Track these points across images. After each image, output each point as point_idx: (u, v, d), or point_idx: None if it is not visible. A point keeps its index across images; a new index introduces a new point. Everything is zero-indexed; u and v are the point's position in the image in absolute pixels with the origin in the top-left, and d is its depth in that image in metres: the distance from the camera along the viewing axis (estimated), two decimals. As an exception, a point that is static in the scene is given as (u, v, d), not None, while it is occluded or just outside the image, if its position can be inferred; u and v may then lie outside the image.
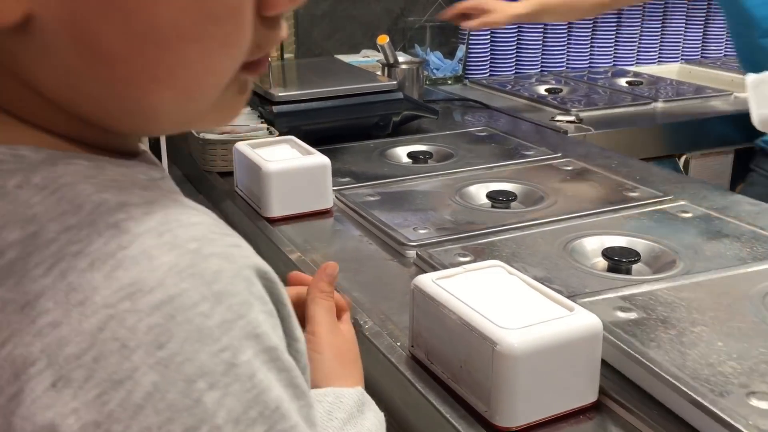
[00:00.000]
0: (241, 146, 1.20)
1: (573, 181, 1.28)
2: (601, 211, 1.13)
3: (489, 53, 2.22)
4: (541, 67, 2.28)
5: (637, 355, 0.71)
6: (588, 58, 2.33)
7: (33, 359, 0.32)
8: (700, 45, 2.44)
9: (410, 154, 1.45)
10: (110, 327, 0.32)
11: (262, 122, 1.43)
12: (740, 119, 1.60)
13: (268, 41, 0.40)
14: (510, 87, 2.07)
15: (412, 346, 0.77)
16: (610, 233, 1.04)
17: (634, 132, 1.73)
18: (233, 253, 0.36)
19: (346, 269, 0.99)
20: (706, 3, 2.41)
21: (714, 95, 1.97)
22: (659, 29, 2.38)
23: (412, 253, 1.01)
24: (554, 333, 0.65)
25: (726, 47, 2.45)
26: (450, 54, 2.19)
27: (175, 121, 0.40)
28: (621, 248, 0.99)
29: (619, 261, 0.95)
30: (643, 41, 2.37)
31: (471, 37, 2.16)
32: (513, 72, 2.25)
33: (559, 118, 1.73)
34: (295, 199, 1.14)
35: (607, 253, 0.97)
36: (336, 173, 1.21)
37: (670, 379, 0.67)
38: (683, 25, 2.41)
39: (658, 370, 0.69)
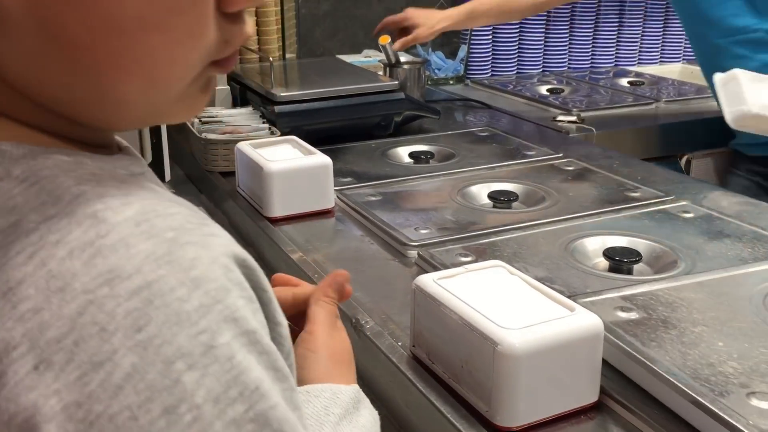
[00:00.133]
0: (243, 146, 1.20)
1: (574, 182, 1.28)
2: (602, 211, 1.13)
3: (491, 53, 2.22)
4: (543, 67, 2.28)
5: (638, 355, 0.71)
6: (590, 58, 2.33)
7: (15, 343, 0.33)
8: (701, 45, 2.44)
9: (412, 154, 1.45)
10: (89, 312, 0.33)
11: (264, 122, 1.43)
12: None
13: (234, 37, 0.41)
14: (512, 87, 2.07)
15: (414, 346, 0.77)
16: (612, 233, 1.04)
17: (636, 132, 1.73)
18: (210, 242, 0.37)
19: (348, 269, 0.98)
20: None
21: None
22: (661, 29, 2.38)
23: (413, 253, 1.01)
24: (555, 333, 0.65)
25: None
26: (452, 54, 2.19)
27: (141, 112, 0.41)
28: (622, 248, 0.99)
29: (620, 261, 0.95)
30: (644, 41, 2.37)
31: (472, 38, 2.16)
32: (515, 72, 2.26)
33: (560, 118, 1.73)
34: (296, 199, 1.14)
35: (609, 253, 0.97)
36: (337, 173, 1.21)
37: (671, 379, 0.67)
38: (685, 25, 2.41)
39: (658, 370, 0.69)
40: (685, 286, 0.86)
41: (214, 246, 0.37)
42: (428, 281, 0.74)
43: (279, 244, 1.06)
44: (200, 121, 1.42)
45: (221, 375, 0.34)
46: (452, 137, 1.55)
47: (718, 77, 1.34)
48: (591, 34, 2.31)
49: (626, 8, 2.32)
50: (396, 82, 1.58)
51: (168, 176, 1.33)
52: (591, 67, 2.33)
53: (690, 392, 0.65)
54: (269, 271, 1.15)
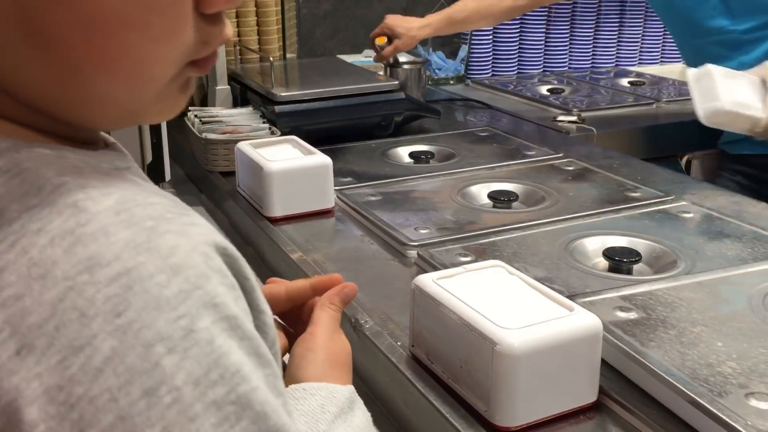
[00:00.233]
0: (243, 146, 1.20)
1: (574, 181, 1.28)
2: (602, 211, 1.13)
3: (491, 53, 2.22)
4: (544, 67, 2.29)
5: (637, 356, 0.71)
6: (590, 58, 2.33)
7: None
8: (702, 45, 2.44)
9: (412, 154, 1.45)
10: (70, 297, 0.33)
11: (264, 122, 1.43)
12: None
13: (212, 38, 0.42)
14: (512, 87, 2.07)
15: (413, 346, 0.77)
16: (612, 233, 1.04)
17: (636, 132, 1.73)
18: (190, 231, 0.38)
19: (348, 269, 0.99)
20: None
21: (716, 95, 1.97)
22: (662, 30, 2.38)
23: (413, 253, 1.01)
24: (554, 333, 0.65)
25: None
26: (452, 54, 2.19)
27: (121, 111, 0.41)
28: (622, 248, 0.99)
29: (620, 261, 0.95)
30: (645, 41, 2.37)
31: (473, 38, 2.16)
32: (515, 72, 2.26)
33: (561, 118, 1.73)
34: (296, 198, 1.14)
35: (608, 253, 0.97)
36: (337, 173, 1.21)
37: (670, 379, 0.67)
38: (686, 25, 2.41)
39: (657, 370, 0.69)
40: (684, 286, 0.86)
41: (194, 234, 0.38)
42: (427, 281, 0.74)
43: (279, 243, 1.06)
44: (201, 120, 1.42)
45: (201, 358, 0.35)
46: (452, 137, 1.55)
47: (691, 72, 1.34)
48: (592, 34, 2.31)
49: (627, 8, 2.32)
50: (396, 82, 1.58)
51: (168, 176, 1.33)
52: (591, 67, 2.33)
53: (689, 392, 0.65)
54: (269, 271, 1.16)
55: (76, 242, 0.35)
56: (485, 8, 1.76)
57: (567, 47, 2.30)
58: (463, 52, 2.16)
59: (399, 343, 0.80)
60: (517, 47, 2.24)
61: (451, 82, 2.15)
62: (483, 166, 1.35)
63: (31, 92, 0.39)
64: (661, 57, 2.41)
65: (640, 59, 2.37)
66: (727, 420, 0.62)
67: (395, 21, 1.71)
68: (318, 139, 1.33)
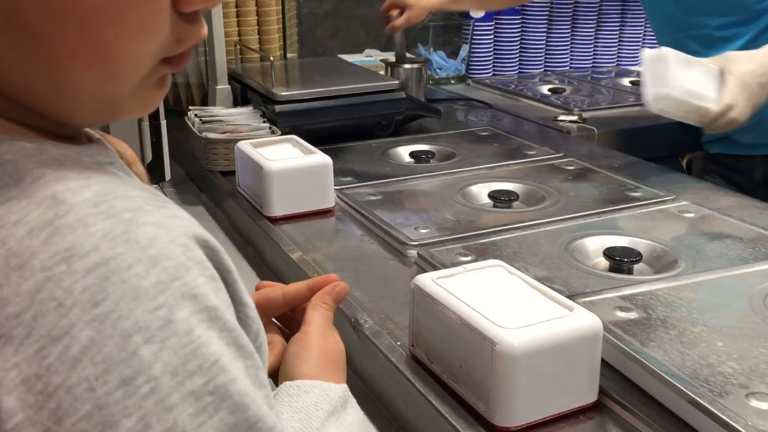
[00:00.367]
0: (244, 145, 1.20)
1: (575, 181, 1.28)
2: (603, 211, 1.13)
3: (492, 53, 2.22)
4: (545, 66, 2.28)
5: (637, 356, 0.71)
6: (591, 57, 2.33)
7: None
8: (704, 45, 2.44)
9: (412, 154, 1.45)
10: (47, 288, 0.34)
11: (264, 121, 1.43)
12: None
13: (188, 36, 0.42)
14: (513, 87, 2.07)
15: (412, 346, 0.77)
16: (612, 233, 1.04)
17: (637, 132, 1.72)
18: (170, 223, 0.38)
19: (347, 268, 0.99)
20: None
21: (717, 95, 1.96)
22: (663, 29, 2.37)
23: (413, 253, 1.01)
24: (554, 333, 0.65)
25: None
26: (453, 53, 2.19)
27: (96, 105, 0.42)
28: (623, 248, 0.98)
29: (620, 261, 0.95)
30: (647, 41, 2.37)
31: (474, 37, 2.16)
32: (516, 72, 2.25)
33: (562, 117, 1.73)
34: (296, 198, 1.14)
35: (609, 253, 0.97)
36: (338, 173, 1.21)
37: (670, 379, 0.67)
38: (687, 24, 2.40)
39: (657, 370, 0.69)
40: (685, 286, 0.85)
41: (174, 226, 0.38)
42: (427, 281, 0.73)
43: (279, 243, 1.06)
44: (201, 120, 1.42)
45: (179, 348, 0.35)
46: (453, 137, 1.55)
47: (647, 54, 1.29)
48: (593, 33, 2.31)
49: (628, 8, 2.32)
50: (397, 82, 1.58)
51: (168, 175, 1.33)
52: (593, 66, 2.33)
53: (689, 392, 0.65)
54: (269, 271, 1.16)
55: (54, 233, 0.35)
56: None
57: (568, 47, 2.30)
58: (464, 51, 2.16)
59: (399, 343, 0.80)
60: (518, 47, 2.24)
61: (452, 81, 2.15)
62: (483, 166, 1.35)
63: (9, 83, 0.39)
64: (663, 57, 2.40)
65: (641, 59, 2.37)
66: (728, 420, 0.61)
67: None
68: (318, 138, 1.33)
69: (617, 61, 2.35)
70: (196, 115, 1.44)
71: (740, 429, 0.60)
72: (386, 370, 0.78)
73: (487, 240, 1.03)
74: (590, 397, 0.69)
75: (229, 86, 1.63)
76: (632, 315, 0.78)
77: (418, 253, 1.00)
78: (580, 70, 2.29)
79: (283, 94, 1.45)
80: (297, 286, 0.70)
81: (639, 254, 0.97)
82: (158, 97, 0.44)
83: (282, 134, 1.32)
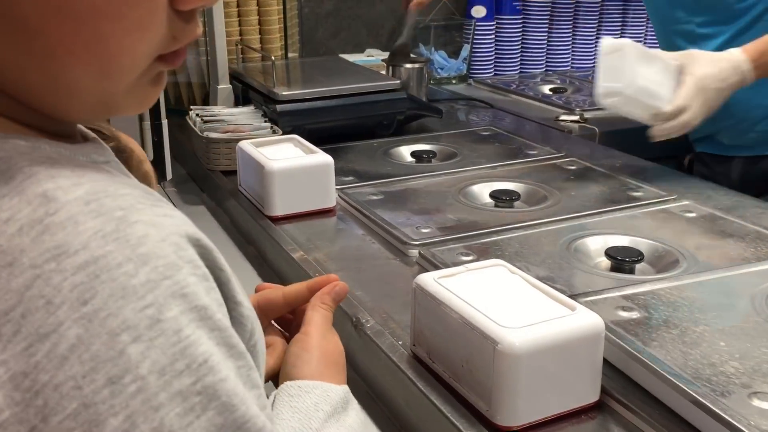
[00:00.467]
0: (245, 145, 1.20)
1: (577, 181, 1.28)
2: (604, 211, 1.13)
3: (494, 52, 2.22)
4: (546, 66, 2.28)
5: (639, 355, 0.71)
6: (593, 57, 2.33)
7: None
8: (705, 45, 2.44)
9: (414, 154, 1.45)
10: (36, 285, 0.34)
11: (265, 121, 1.43)
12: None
13: (183, 34, 0.42)
14: (514, 86, 2.07)
15: (414, 345, 0.76)
16: (614, 233, 1.04)
17: (639, 132, 1.71)
18: (161, 222, 0.38)
19: (349, 268, 0.99)
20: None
21: (719, 95, 1.96)
22: (664, 29, 2.37)
23: (414, 252, 1.01)
24: (556, 332, 0.65)
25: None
26: (454, 53, 2.19)
27: (92, 102, 0.42)
28: (624, 248, 0.98)
29: (622, 261, 0.95)
30: (648, 41, 2.36)
31: (475, 37, 2.16)
32: (517, 71, 2.25)
33: (563, 117, 1.73)
34: (298, 197, 1.14)
35: (611, 252, 0.97)
36: (339, 172, 1.21)
37: (672, 379, 0.67)
38: (689, 24, 2.40)
39: (660, 369, 0.68)
40: (686, 286, 0.85)
41: (166, 225, 0.38)
42: (429, 280, 0.73)
43: (280, 242, 1.06)
44: (202, 119, 1.42)
45: (167, 348, 0.35)
46: (454, 136, 1.55)
47: (605, 43, 1.24)
48: (594, 33, 2.30)
49: (630, 8, 2.31)
50: (398, 82, 1.58)
51: (170, 175, 1.33)
52: (594, 66, 2.32)
53: (691, 392, 0.65)
54: (271, 270, 1.16)
55: (44, 231, 0.35)
56: None
57: (569, 47, 2.30)
58: (465, 51, 2.16)
59: (400, 343, 0.79)
60: (519, 46, 2.24)
61: (454, 81, 2.15)
62: (485, 166, 1.35)
63: (6, 78, 0.39)
64: (664, 56, 2.40)
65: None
66: (730, 420, 0.61)
67: None
68: (320, 138, 1.33)
69: (619, 60, 2.35)
70: (197, 115, 1.44)
71: (743, 429, 0.60)
72: (388, 369, 0.78)
73: (489, 240, 1.03)
74: (592, 396, 0.69)
75: (230, 86, 1.63)
76: (634, 315, 0.78)
77: (419, 253, 0.99)
78: (581, 70, 2.28)
79: (284, 93, 1.45)
80: (297, 287, 0.69)
81: (640, 254, 0.97)
82: (154, 95, 0.44)
83: (283, 134, 1.32)
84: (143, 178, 0.81)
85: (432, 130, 1.60)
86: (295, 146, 1.22)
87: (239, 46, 1.73)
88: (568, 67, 2.30)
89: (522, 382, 0.64)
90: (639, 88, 1.18)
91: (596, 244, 1.01)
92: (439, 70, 2.14)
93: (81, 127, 0.48)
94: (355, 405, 0.60)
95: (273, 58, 1.55)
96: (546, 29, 2.25)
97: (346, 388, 0.60)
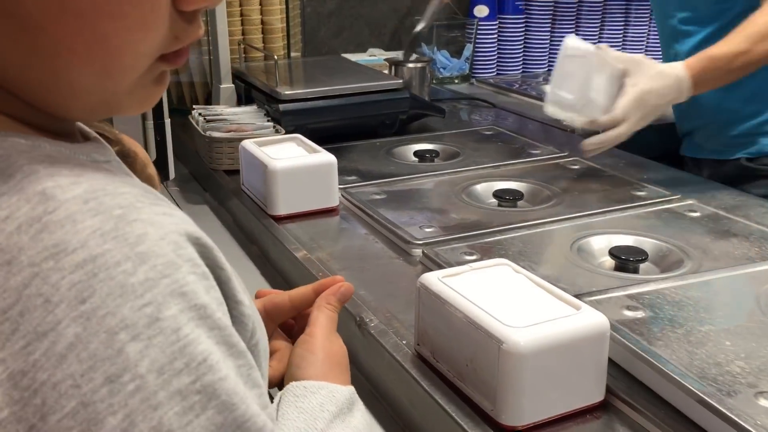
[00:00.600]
0: (248, 144, 1.20)
1: (580, 180, 1.28)
2: (608, 210, 1.13)
3: (496, 52, 2.21)
4: (549, 66, 2.27)
5: (645, 355, 0.71)
6: (595, 57, 2.32)
7: None
8: (708, 44, 2.43)
9: (417, 153, 1.44)
10: (35, 284, 0.34)
11: (268, 120, 1.42)
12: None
13: (186, 34, 0.42)
14: (517, 86, 2.07)
15: (418, 345, 0.76)
16: (618, 232, 1.04)
17: (642, 131, 1.71)
18: (160, 220, 0.38)
19: (352, 267, 0.98)
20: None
21: (722, 94, 1.96)
22: (667, 28, 2.37)
23: (418, 252, 1.00)
24: (561, 332, 0.65)
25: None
26: (457, 53, 2.19)
27: (93, 100, 0.41)
28: (628, 247, 0.98)
29: (626, 260, 0.95)
30: (650, 40, 2.36)
31: (478, 36, 2.16)
32: (520, 71, 2.25)
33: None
34: (301, 197, 1.13)
35: (615, 252, 0.96)
36: (342, 171, 1.21)
37: (678, 378, 0.67)
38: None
39: (665, 369, 0.68)
40: (691, 285, 0.85)
41: (165, 224, 0.38)
42: (433, 279, 0.73)
43: (283, 242, 1.05)
44: (205, 119, 1.42)
45: (166, 346, 0.34)
46: (457, 136, 1.55)
47: (570, 44, 1.21)
48: (597, 33, 2.30)
49: (632, 8, 2.31)
50: (401, 81, 1.58)
51: (172, 174, 1.33)
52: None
53: (697, 392, 0.65)
54: (274, 270, 1.16)
55: (42, 229, 0.35)
56: None
57: (572, 46, 2.29)
58: (467, 50, 2.16)
59: (404, 342, 0.79)
60: (522, 46, 2.24)
61: (456, 80, 2.15)
62: (488, 165, 1.34)
63: (7, 75, 0.39)
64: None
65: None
66: (737, 419, 0.61)
67: None
68: (322, 137, 1.33)
69: (621, 60, 2.34)
70: (200, 114, 1.44)
71: (749, 428, 0.60)
72: (392, 369, 0.78)
73: (492, 239, 1.02)
74: (597, 396, 0.69)
75: (233, 85, 1.63)
76: (639, 314, 0.78)
77: (423, 252, 0.99)
78: (584, 70, 2.28)
79: (287, 93, 1.45)
80: (303, 290, 0.69)
81: (645, 253, 0.96)
82: (157, 94, 0.44)
83: (286, 133, 1.32)
84: (147, 182, 0.81)
85: (435, 130, 1.60)
86: (297, 145, 1.21)
87: (242, 46, 1.72)
88: (571, 67, 2.29)
89: (527, 381, 0.64)
90: (588, 101, 1.17)
91: (600, 244, 1.01)
92: (441, 70, 2.14)
93: (82, 126, 0.48)
94: (360, 406, 0.60)
95: (276, 57, 1.55)
96: (548, 29, 2.24)
97: (351, 388, 0.60)
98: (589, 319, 0.67)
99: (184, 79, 1.76)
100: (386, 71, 1.76)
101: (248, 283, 0.46)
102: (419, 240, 1.02)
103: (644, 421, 0.68)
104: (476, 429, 0.66)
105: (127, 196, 0.38)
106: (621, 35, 2.33)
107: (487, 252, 0.97)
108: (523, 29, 2.22)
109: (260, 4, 1.75)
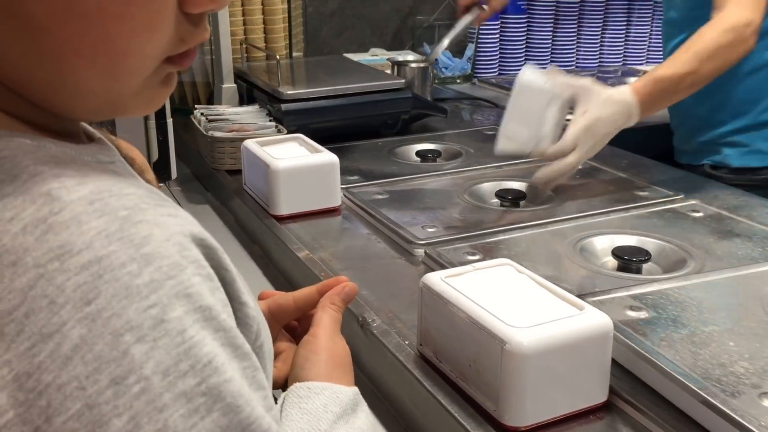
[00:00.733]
0: (250, 144, 1.20)
1: (583, 180, 1.27)
2: (611, 210, 1.12)
3: (498, 52, 2.21)
4: (551, 65, 2.27)
5: (648, 355, 0.70)
6: (597, 57, 2.32)
7: None
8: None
9: (419, 153, 1.44)
10: (40, 285, 0.34)
11: (270, 120, 1.42)
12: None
13: (191, 37, 0.42)
14: (519, 86, 2.06)
15: (421, 345, 0.76)
16: (621, 232, 1.04)
17: (645, 131, 1.71)
18: (165, 221, 0.38)
19: (354, 267, 0.98)
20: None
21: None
22: (670, 28, 2.36)
23: (420, 252, 1.00)
24: (564, 332, 0.65)
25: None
26: (459, 53, 2.19)
27: (98, 102, 0.41)
28: (631, 247, 0.98)
29: (629, 260, 0.95)
30: (653, 40, 2.36)
31: (480, 36, 2.16)
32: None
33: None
34: (303, 197, 1.13)
35: (618, 252, 0.96)
36: (344, 171, 1.21)
37: (681, 379, 0.67)
38: (694, 24, 2.39)
39: (669, 370, 0.68)
40: (695, 286, 0.85)
41: (170, 225, 0.38)
42: (436, 279, 0.73)
43: (285, 242, 1.05)
44: (207, 119, 1.41)
45: (171, 348, 0.34)
46: (459, 136, 1.55)
47: (525, 78, 1.17)
48: (599, 33, 2.30)
49: (634, 7, 2.31)
50: (403, 81, 1.58)
51: (174, 174, 1.33)
52: (599, 66, 2.32)
53: (701, 392, 0.65)
54: (276, 269, 1.16)
55: (47, 230, 0.35)
56: None
57: (574, 46, 2.29)
58: (469, 50, 2.16)
59: (407, 342, 0.79)
60: (524, 46, 2.24)
61: (458, 80, 2.14)
62: (490, 165, 1.34)
63: (12, 75, 0.39)
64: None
65: (647, 58, 2.36)
66: (741, 420, 0.61)
67: None
68: (324, 137, 1.32)
69: (623, 60, 2.34)
70: (202, 114, 1.44)
71: (753, 429, 0.60)
72: (394, 369, 0.77)
73: (495, 239, 1.02)
74: (600, 396, 0.69)
75: (235, 85, 1.63)
76: (642, 314, 0.78)
77: (425, 252, 0.99)
78: (586, 69, 2.28)
79: (289, 92, 1.45)
80: (307, 291, 0.69)
81: (648, 253, 0.96)
82: (164, 95, 0.44)
83: (288, 133, 1.32)
84: None
85: (437, 130, 1.60)
86: (300, 145, 1.21)
87: (244, 46, 1.72)
88: (573, 66, 2.29)
89: (530, 382, 0.64)
90: (541, 136, 1.15)
91: (603, 244, 1.01)
92: (443, 70, 2.14)
93: (86, 126, 0.48)
94: (364, 407, 0.59)
95: (278, 57, 1.55)
96: (551, 28, 2.24)
97: (355, 389, 0.60)
98: (592, 320, 0.66)
99: (186, 78, 1.76)
100: (388, 71, 1.76)
101: (250, 283, 0.46)
102: (422, 240, 1.02)
103: (647, 421, 0.67)
104: (479, 429, 0.66)
105: (132, 198, 0.38)
106: (623, 34, 2.33)
107: (489, 252, 0.97)
108: (526, 29, 2.22)
109: (262, 4, 1.75)
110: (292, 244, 1.04)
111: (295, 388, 0.58)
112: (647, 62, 2.35)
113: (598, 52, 2.32)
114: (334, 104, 1.47)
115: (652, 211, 1.13)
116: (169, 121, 1.28)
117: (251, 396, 0.37)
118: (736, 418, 0.61)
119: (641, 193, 1.19)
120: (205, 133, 1.35)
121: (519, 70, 2.19)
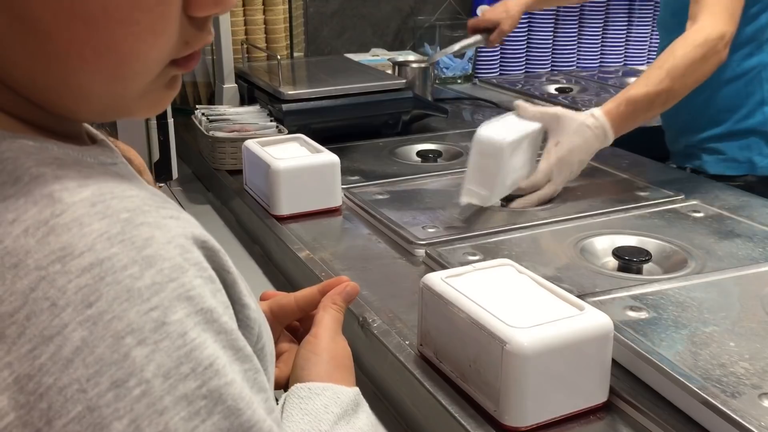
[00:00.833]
0: (251, 144, 1.20)
1: (583, 181, 1.27)
2: (611, 211, 1.13)
3: (499, 52, 2.21)
4: (552, 66, 2.28)
5: (648, 355, 0.70)
6: (599, 57, 2.33)
7: None
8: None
9: (419, 153, 1.44)
10: (41, 287, 0.33)
11: (271, 120, 1.42)
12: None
13: (196, 40, 0.42)
14: (520, 86, 2.07)
15: (421, 345, 0.76)
16: (621, 233, 1.04)
17: (646, 131, 1.71)
18: (167, 223, 0.38)
19: (355, 267, 0.98)
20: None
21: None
22: (670, 28, 2.36)
23: (421, 252, 1.00)
24: (564, 332, 0.65)
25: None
26: (460, 53, 2.19)
27: (102, 104, 0.41)
28: (632, 248, 0.98)
29: (629, 260, 0.95)
30: (653, 40, 2.36)
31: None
32: (523, 71, 2.25)
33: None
34: (304, 197, 1.13)
35: (618, 252, 0.96)
36: (345, 171, 1.21)
37: (682, 379, 0.67)
38: (695, 24, 2.39)
39: (669, 370, 0.68)
40: (695, 286, 0.85)
41: (171, 227, 0.38)
42: (436, 280, 0.73)
43: (286, 242, 1.05)
44: (208, 119, 1.42)
45: (172, 351, 0.34)
46: (460, 136, 1.55)
47: (481, 139, 1.11)
48: (600, 33, 2.30)
49: (635, 7, 2.31)
50: (404, 81, 1.58)
51: (175, 174, 1.33)
52: (600, 66, 2.32)
53: (701, 393, 0.65)
54: (277, 270, 1.16)
55: (49, 232, 0.35)
56: None
57: (575, 46, 2.29)
58: (470, 51, 2.15)
59: (407, 342, 0.79)
60: (524, 46, 2.24)
61: (459, 81, 2.14)
62: (491, 165, 1.34)
63: (16, 77, 0.39)
64: (670, 56, 2.39)
65: (648, 58, 2.36)
66: (741, 421, 0.61)
67: (494, 13, 1.65)
68: (325, 137, 1.33)
69: (624, 60, 2.35)
70: (203, 114, 1.44)
71: (753, 430, 0.60)
72: (394, 369, 0.78)
73: (495, 239, 1.02)
74: (601, 397, 0.69)
75: (236, 85, 1.63)
76: (643, 315, 0.78)
77: (426, 252, 0.99)
78: (587, 70, 2.28)
79: (290, 93, 1.45)
80: (309, 292, 0.69)
81: (648, 254, 0.96)
82: (168, 98, 0.44)
83: (289, 133, 1.32)
84: None
85: (437, 130, 1.60)
86: (300, 145, 1.21)
87: (245, 46, 1.72)
88: (574, 67, 2.29)
89: (530, 382, 0.64)
90: (505, 188, 1.14)
91: (603, 244, 1.01)
92: (444, 70, 2.14)
93: (89, 128, 0.48)
94: (365, 407, 0.59)
95: (278, 57, 1.55)
96: (551, 29, 2.24)
97: (356, 390, 0.60)
98: (593, 320, 0.66)
99: (187, 79, 1.76)
100: (389, 71, 1.76)
101: (251, 283, 0.46)
102: (422, 240, 1.02)
103: (648, 422, 0.67)
104: (479, 430, 0.66)
105: (134, 200, 0.37)
106: (624, 35, 2.33)
107: (490, 252, 0.97)
108: (526, 29, 2.22)
109: (263, 4, 1.75)
110: (293, 244, 1.05)
111: (296, 388, 0.58)
112: (648, 62, 2.35)
113: (598, 53, 2.32)
114: (335, 104, 1.47)
115: (653, 211, 1.13)
116: (170, 121, 1.28)
117: (252, 399, 0.37)
118: (736, 418, 0.61)
119: (642, 194, 1.19)
120: (206, 133, 1.35)
121: (520, 70, 2.23)
